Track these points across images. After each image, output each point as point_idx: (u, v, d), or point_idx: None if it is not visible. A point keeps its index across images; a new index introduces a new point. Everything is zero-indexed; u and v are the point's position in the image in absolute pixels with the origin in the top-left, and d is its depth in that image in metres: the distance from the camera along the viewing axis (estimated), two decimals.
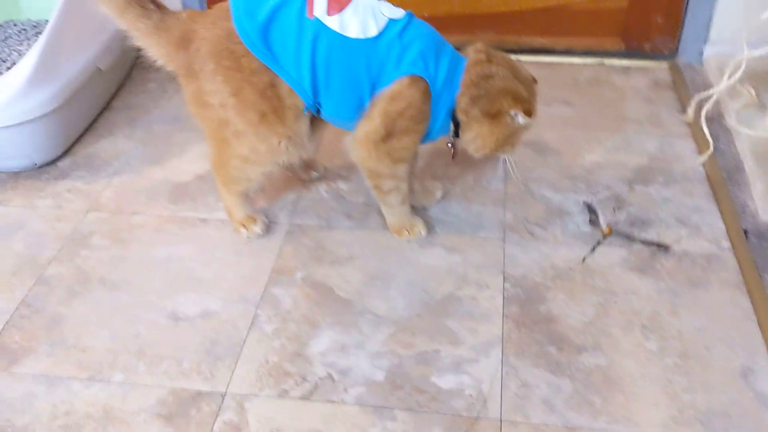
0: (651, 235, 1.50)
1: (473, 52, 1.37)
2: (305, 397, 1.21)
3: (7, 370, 1.27)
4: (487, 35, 2.10)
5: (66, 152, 1.80)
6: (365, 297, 1.38)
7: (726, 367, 1.24)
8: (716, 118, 1.79)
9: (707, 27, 1.99)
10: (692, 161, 1.71)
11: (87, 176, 1.72)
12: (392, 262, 1.46)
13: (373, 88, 1.32)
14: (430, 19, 1.38)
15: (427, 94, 1.32)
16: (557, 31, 2.11)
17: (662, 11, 2.04)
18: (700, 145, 1.74)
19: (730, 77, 1.66)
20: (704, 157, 1.68)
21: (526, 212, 1.58)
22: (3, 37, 2.07)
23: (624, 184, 1.65)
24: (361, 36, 1.27)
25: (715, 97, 1.72)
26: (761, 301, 1.33)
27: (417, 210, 1.58)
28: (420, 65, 1.29)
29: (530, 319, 1.33)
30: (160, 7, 1.36)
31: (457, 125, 1.38)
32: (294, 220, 1.57)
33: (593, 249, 1.47)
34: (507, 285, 1.40)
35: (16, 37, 2.06)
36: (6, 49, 2.00)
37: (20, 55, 1.97)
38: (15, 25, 2.13)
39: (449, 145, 1.44)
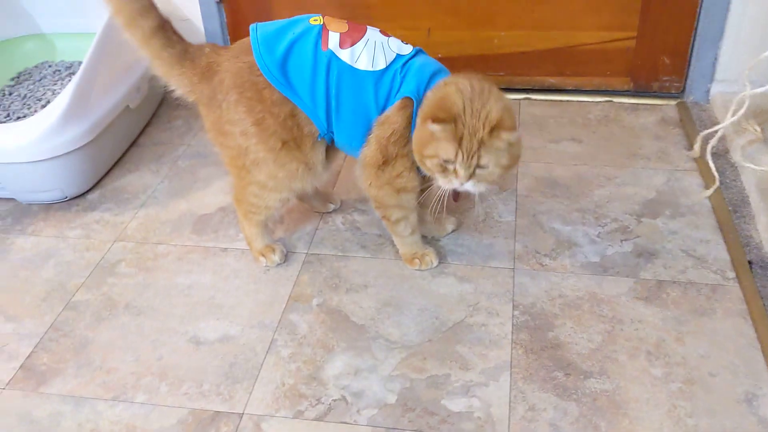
0: (657, 266, 1.55)
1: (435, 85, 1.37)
2: (319, 419, 1.25)
3: (36, 390, 1.33)
4: (498, 75, 2.17)
5: (95, 185, 1.88)
6: (378, 323, 1.44)
7: (730, 393, 1.26)
8: (722, 154, 1.85)
9: (713, 66, 2.05)
10: (699, 195, 1.75)
11: (115, 208, 1.80)
12: (405, 290, 1.52)
13: (379, 116, 1.39)
14: (444, 60, 1.45)
15: (411, 117, 1.37)
16: (567, 70, 2.18)
17: (669, 52, 2.10)
18: (707, 179, 1.78)
19: (734, 114, 1.71)
20: (710, 191, 1.73)
21: (535, 244, 1.63)
22: (38, 77, 2.18)
23: (632, 216, 1.70)
24: (370, 68, 1.35)
25: (720, 133, 1.77)
26: (765, 329, 1.36)
27: (428, 240, 1.63)
28: (411, 87, 1.36)
29: (538, 345, 1.37)
30: (183, 40, 1.44)
31: None
32: (311, 250, 1.63)
33: None
34: (516, 313, 1.45)
35: (51, 77, 2.18)
36: (41, 89, 2.11)
37: (54, 94, 2.08)
38: (50, 66, 2.24)
39: None
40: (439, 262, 1.58)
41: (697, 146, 1.88)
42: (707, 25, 2.01)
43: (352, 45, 1.35)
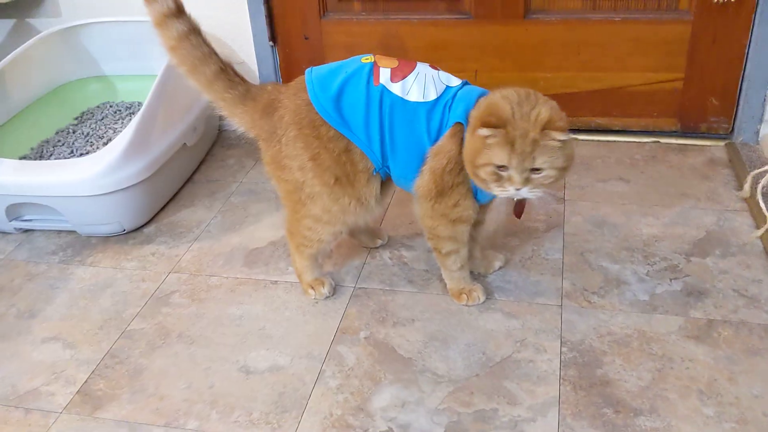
0: (708, 305, 1.53)
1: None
2: None
3: (92, 415, 1.37)
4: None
5: (151, 219, 1.95)
6: (425, 357, 1.45)
7: None
8: None
9: (762, 107, 2.05)
10: (749, 235, 1.74)
11: (170, 241, 1.86)
12: (452, 325, 1.52)
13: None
14: None
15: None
16: (614, 111, 2.20)
17: (717, 93, 2.11)
18: (757, 219, 1.77)
19: None
20: (761, 231, 1.71)
21: (583, 281, 1.63)
22: (100, 117, 2.29)
23: (681, 255, 1.69)
24: (421, 100, 1.39)
25: None
26: None
27: (476, 277, 1.64)
28: (459, 112, 1.38)
29: (587, 382, 1.37)
30: (245, 81, 1.51)
31: None
32: (359, 284, 1.66)
33: None
34: (564, 349, 1.44)
35: (112, 117, 2.28)
36: (103, 127, 2.21)
37: (115, 132, 2.17)
38: (111, 106, 2.35)
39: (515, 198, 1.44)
40: (486, 298, 1.58)
41: (747, 186, 1.86)
42: (755, 66, 2.01)
43: (402, 78, 1.40)
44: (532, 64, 2.16)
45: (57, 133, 2.21)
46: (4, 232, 1.93)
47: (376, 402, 1.35)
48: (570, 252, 1.73)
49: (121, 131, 2.15)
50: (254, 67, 2.35)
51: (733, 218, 1.81)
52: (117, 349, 1.52)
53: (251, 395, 1.38)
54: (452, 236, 1.50)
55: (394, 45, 2.23)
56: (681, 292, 1.58)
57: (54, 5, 2.41)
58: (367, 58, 1.43)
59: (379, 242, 1.78)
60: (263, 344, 1.50)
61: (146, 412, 1.37)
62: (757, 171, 1.83)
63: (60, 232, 1.92)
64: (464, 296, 1.58)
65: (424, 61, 2.21)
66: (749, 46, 2.00)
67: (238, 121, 1.50)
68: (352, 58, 1.46)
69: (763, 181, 1.75)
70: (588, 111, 2.21)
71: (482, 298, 1.58)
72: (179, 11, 1.43)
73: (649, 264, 1.67)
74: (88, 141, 2.13)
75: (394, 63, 1.42)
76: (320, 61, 2.29)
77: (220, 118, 1.55)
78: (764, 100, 2.03)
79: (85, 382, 1.44)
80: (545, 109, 1.29)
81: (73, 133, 2.19)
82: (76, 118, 2.30)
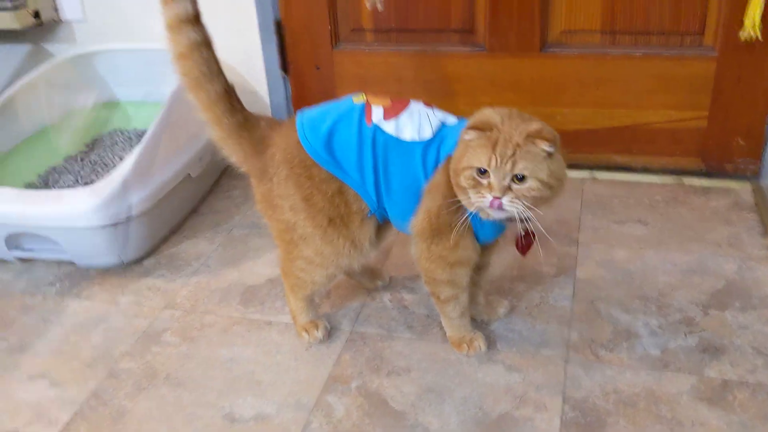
0: (723, 363, 1.43)
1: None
2: None
3: None
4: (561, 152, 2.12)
5: (151, 251, 1.91)
6: (418, 411, 1.37)
7: None
8: None
9: None
10: None
11: (168, 275, 1.82)
12: (449, 377, 1.45)
13: None
14: None
15: None
16: (634, 149, 2.12)
17: (743, 133, 2.01)
18: None
19: None
20: None
21: (592, 332, 1.54)
22: (110, 144, 2.27)
23: (698, 307, 1.59)
24: (416, 138, 1.33)
25: None
26: None
27: (479, 324, 1.57)
28: (451, 145, 1.31)
29: None
30: (244, 109, 1.44)
31: None
32: (356, 328, 1.60)
33: None
34: (566, 407, 1.36)
35: (121, 144, 2.26)
36: (111, 155, 2.19)
37: (122, 160, 2.14)
38: (122, 133, 2.33)
39: (521, 232, 1.38)
40: (488, 348, 1.51)
41: None
42: None
43: (395, 117, 1.34)
44: (548, 99, 2.09)
45: (66, 159, 2.20)
46: (4, 261, 1.91)
47: None
48: (580, 299, 1.64)
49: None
50: (265, 96, 2.32)
51: (756, 267, 1.71)
52: (102, 390, 1.47)
53: None
54: (451, 280, 1.43)
55: (407, 77, 2.18)
56: (696, 348, 1.48)
57: (69, 32, 2.42)
58: (359, 98, 1.38)
59: (380, 283, 1.72)
60: (251, 390, 1.44)
61: None
62: None
63: (60, 262, 1.89)
64: (464, 346, 1.50)
65: (437, 92, 2.17)
66: None
67: (229, 151, 1.44)
68: (343, 98, 1.41)
69: None
70: (607, 148, 2.13)
71: (483, 348, 1.50)
72: (196, 19, 1.35)
73: (662, 315, 1.58)
74: (94, 169, 2.11)
75: (387, 102, 1.37)
76: (332, 92, 2.26)
77: None
78: None
79: (67, 423, 1.40)
80: (536, 122, 1.22)
81: (81, 160, 2.18)
82: (87, 145, 2.29)
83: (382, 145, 1.33)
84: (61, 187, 2.05)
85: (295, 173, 1.37)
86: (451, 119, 1.38)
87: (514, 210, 1.22)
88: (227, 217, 2.07)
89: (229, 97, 1.41)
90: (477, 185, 1.22)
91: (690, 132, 2.05)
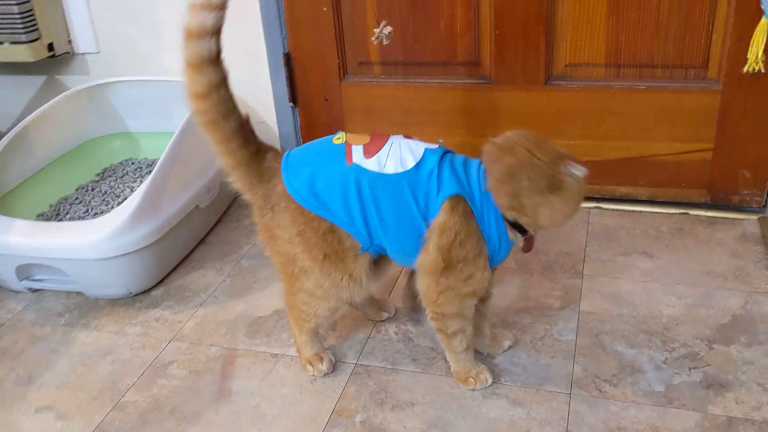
0: (728, 400, 1.43)
1: (484, 151, 1.36)
2: None
3: None
4: None
5: (160, 282, 1.93)
6: None
7: None
8: None
9: None
10: None
11: (175, 306, 1.84)
12: (453, 411, 1.45)
13: (425, 218, 1.36)
14: None
15: (469, 213, 1.34)
16: (640, 180, 2.12)
17: (749, 165, 2.01)
18: None
19: None
20: None
21: (596, 367, 1.54)
22: (121, 174, 2.30)
23: (703, 342, 1.59)
24: (400, 170, 1.34)
25: None
26: None
27: (483, 357, 1.57)
28: (454, 183, 1.33)
29: None
30: (257, 140, 1.44)
31: (520, 228, 1.38)
32: (360, 361, 1.60)
33: None
34: None
35: (132, 174, 2.29)
36: (121, 185, 2.22)
37: (132, 191, 2.18)
38: (132, 163, 2.36)
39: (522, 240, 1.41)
40: (493, 381, 1.51)
41: None
42: None
43: (376, 153, 1.35)
44: (554, 131, 2.10)
45: (77, 189, 2.23)
46: (15, 291, 1.94)
47: None
48: (584, 333, 1.64)
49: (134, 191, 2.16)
50: (275, 127, 2.35)
51: (762, 301, 1.71)
52: (108, 423, 1.48)
53: None
54: (460, 312, 1.44)
55: (414, 108, 2.20)
56: (700, 384, 1.48)
57: (83, 64, 2.46)
58: (338, 138, 1.40)
59: (385, 315, 1.72)
60: (255, 424, 1.45)
61: None
62: None
63: (69, 292, 1.91)
64: (471, 380, 1.50)
65: (441, 124, 2.19)
66: None
67: (236, 179, 1.44)
68: (324, 138, 1.43)
69: None
70: (613, 180, 2.14)
71: (490, 380, 1.51)
72: (218, 57, 1.32)
73: (667, 350, 1.57)
74: (104, 200, 2.14)
75: (366, 139, 1.39)
76: (340, 123, 2.29)
77: None
78: None
79: None
80: (560, 147, 1.34)
81: (92, 190, 2.21)
82: (98, 175, 2.32)
83: (367, 183, 1.34)
84: (72, 217, 2.07)
85: (291, 207, 1.39)
86: (432, 145, 1.39)
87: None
88: (236, 247, 2.09)
89: (243, 131, 1.40)
90: None
91: (695, 164, 2.06)
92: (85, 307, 1.86)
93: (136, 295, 1.89)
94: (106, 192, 2.18)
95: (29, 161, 2.17)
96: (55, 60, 2.43)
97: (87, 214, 2.08)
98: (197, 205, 2.03)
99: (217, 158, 1.43)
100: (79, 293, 1.90)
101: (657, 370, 1.52)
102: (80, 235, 1.76)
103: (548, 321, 1.69)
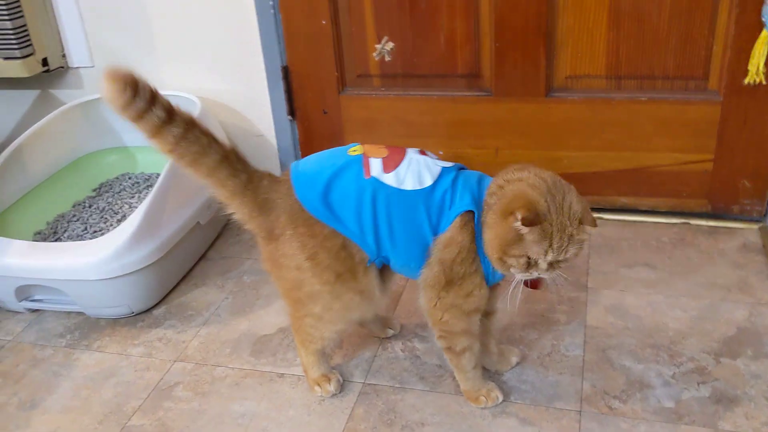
0: (738, 415, 1.43)
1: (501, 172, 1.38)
2: None
3: None
4: None
5: (161, 300, 1.91)
6: None
7: None
8: None
9: None
10: None
11: (178, 325, 1.82)
12: (463, 431, 1.44)
13: (435, 233, 1.36)
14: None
15: (474, 230, 1.35)
16: (641, 191, 2.12)
17: (749, 175, 2.02)
18: None
19: None
20: None
21: (604, 383, 1.54)
22: (118, 189, 2.28)
23: (709, 355, 1.59)
24: (418, 187, 1.34)
25: None
26: None
27: (491, 375, 1.57)
28: (467, 200, 1.34)
29: None
30: (248, 167, 1.42)
31: None
32: (368, 380, 1.59)
33: None
34: None
35: (129, 190, 2.27)
36: (119, 202, 2.20)
37: (130, 207, 2.15)
38: (129, 177, 2.34)
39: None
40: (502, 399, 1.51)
41: None
42: None
43: (395, 168, 1.35)
44: (555, 143, 2.10)
45: (74, 206, 2.21)
46: (14, 312, 1.91)
47: None
48: (591, 348, 1.64)
49: (136, 206, 2.14)
50: (273, 140, 2.33)
51: (766, 313, 1.71)
52: None
53: None
54: (467, 329, 1.43)
55: (414, 121, 2.19)
56: (709, 399, 1.48)
57: (77, 78, 2.44)
58: (355, 150, 1.39)
59: (391, 332, 1.72)
60: None
61: None
62: None
63: (69, 312, 1.89)
64: (483, 398, 1.50)
65: (444, 136, 2.19)
66: None
67: (234, 209, 1.42)
68: (338, 148, 1.42)
69: None
70: (613, 190, 2.14)
71: (501, 398, 1.50)
72: (171, 115, 1.30)
73: (675, 365, 1.57)
74: (102, 217, 2.12)
75: (384, 152, 1.38)
76: (339, 135, 2.28)
77: None
78: None
79: None
80: (576, 201, 1.30)
81: (90, 207, 2.18)
82: (95, 190, 2.30)
83: (383, 198, 1.34)
84: (71, 235, 2.05)
85: (299, 233, 1.38)
86: (448, 163, 1.40)
87: (552, 277, 1.34)
88: (237, 262, 2.08)
89: (228, 161, 1.38)
90: (527, 267, 1.31)
91: (696, 174, 2.06)
92: (86, 327, 1.84)
93: (138, 314, 1.87)
94: (103, 208, 2.16)
95: (25, 178, 2.14)
96: (50, 74, 2.41)
97: (85, 231, 2.05)
98: (198, 222, 2.01)
99: (212, 192, 1.42)
100: (79, 313, 1.88)
101: (666, 386, 1.52)
102: (81, 256, 1.74)
103: (555, 336, 1.69)
